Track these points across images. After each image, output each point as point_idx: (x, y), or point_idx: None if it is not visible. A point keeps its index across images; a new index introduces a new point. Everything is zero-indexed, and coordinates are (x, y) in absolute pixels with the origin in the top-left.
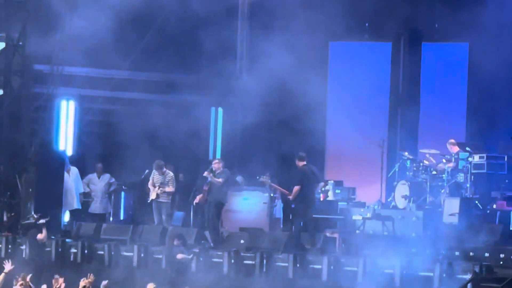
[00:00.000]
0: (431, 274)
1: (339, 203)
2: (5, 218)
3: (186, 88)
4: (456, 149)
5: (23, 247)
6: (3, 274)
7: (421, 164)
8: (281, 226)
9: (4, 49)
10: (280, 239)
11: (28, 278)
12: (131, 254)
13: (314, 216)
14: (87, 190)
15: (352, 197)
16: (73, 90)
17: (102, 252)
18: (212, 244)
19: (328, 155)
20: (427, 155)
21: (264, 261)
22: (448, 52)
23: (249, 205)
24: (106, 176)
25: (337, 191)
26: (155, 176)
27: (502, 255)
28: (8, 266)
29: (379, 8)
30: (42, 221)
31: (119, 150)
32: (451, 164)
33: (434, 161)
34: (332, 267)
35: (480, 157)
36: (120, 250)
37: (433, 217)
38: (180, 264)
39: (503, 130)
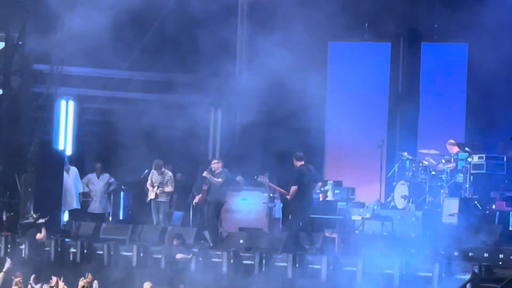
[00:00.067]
0: (430, 274)
1: (338, 203)
2: (4, 218)
3: (185, 88)
4: (455, 149)
5: (22, 246)
6: (2, 273)
7: (421, 164)
8: (280, 226)
9: (3, 48)
10: (279, 239)
11: (21, 279)
12: (130, 254)
13: (313, 216)
14: (87, 189)
15: (351, 197)
16: (73, 90)
17: (101, 252)
18: (211, 244)
19: (327, 155)
20: (427, 157)
21: (263, 261)
22: (447, 52)
23: (248, 205)
24: (106, 176)
25: (336, 191)
26: (154, 176)
27: (501, 256)
28: (7, 264)
29: (379, 8)
30: (41, 220)
31: (118, 150)
32: (451, 165)
33: (433, 162)
34: (331, 267)
35: (479, 158)
36: (119, 250)
37: (432, 217)
38: (179, 264)
39: (502, 131)
